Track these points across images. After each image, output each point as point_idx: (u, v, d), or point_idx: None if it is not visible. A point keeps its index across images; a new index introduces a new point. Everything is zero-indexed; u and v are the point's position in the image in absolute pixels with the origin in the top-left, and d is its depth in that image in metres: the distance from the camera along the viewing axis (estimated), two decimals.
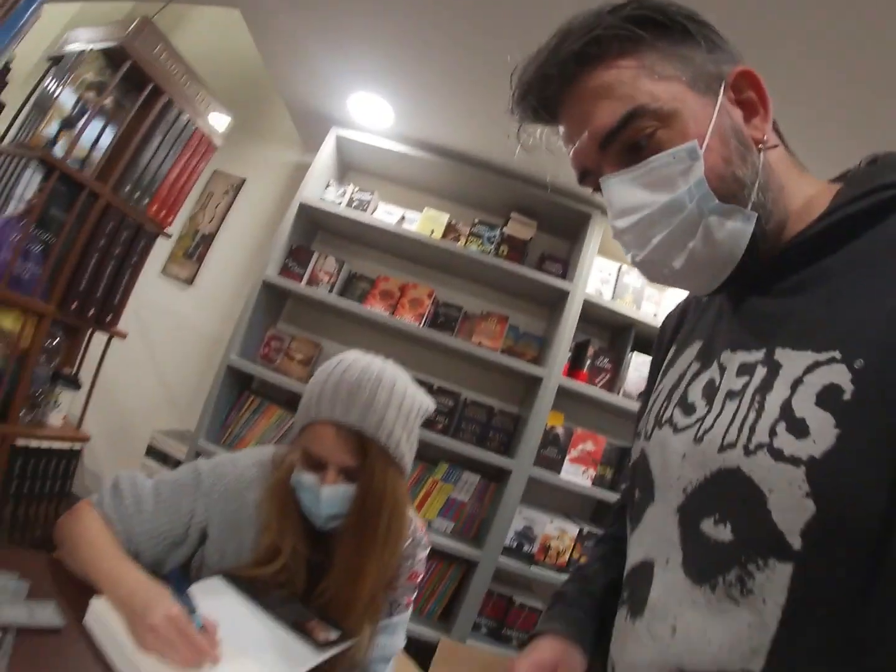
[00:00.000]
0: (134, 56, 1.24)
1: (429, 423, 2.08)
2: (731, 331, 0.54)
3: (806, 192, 0.53)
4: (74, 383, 1.40)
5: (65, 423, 1.40)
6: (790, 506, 0.42)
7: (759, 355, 0.49)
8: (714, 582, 0.46)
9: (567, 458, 2.03)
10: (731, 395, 0.50)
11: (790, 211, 0.52)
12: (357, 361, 0.92)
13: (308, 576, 0.94)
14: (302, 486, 0.90)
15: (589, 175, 0.56)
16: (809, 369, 0.44)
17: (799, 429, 0.42)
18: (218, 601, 0.86)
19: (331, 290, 2.20)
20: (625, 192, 0.52)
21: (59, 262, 1.22)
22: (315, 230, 2.49)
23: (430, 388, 2.12)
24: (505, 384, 2.33)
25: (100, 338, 1.47)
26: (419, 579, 1.05)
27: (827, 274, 0.48)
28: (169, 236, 1.45)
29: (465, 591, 1.99)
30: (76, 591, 0.80)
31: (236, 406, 2.25)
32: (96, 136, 1.22)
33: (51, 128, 1.18)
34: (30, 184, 1.13)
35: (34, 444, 1.28)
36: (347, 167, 2.51)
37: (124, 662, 0.70)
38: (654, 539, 0.54)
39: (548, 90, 0.55)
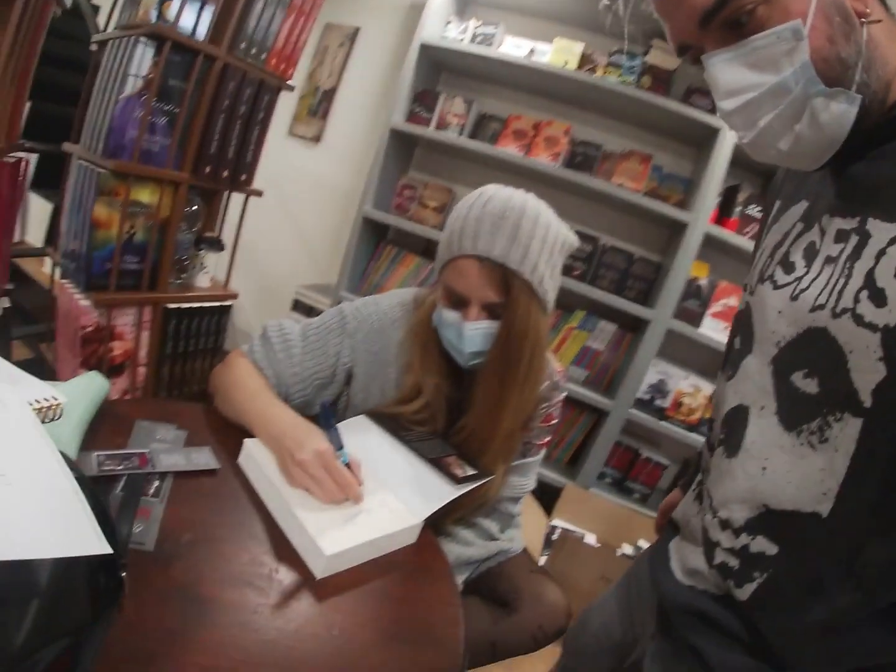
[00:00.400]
0: None
1: (566, 269, 1.98)
2: (832, 196, 0.55)
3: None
4: (218, 245, 1.47)
5: (213, 284, 1.50)
6: (865, 367, 0.47)
7: (853, 223, 0.51)
8: (800, 429, 0.52)
9: (708, 312, 1.89)
10: (828, 259, 0.53)
11: (894, 84, 0.51)
12: (499, 193, 0.87)
13: (448, 414, 0.97)
14: (444, 323, 0.90)
15: (688, 49, 0.55)
16: (893, 241, 0.46)
17: (878, 298, 0.46)
18: (362, 438, 0.90)
19: (461, 133, 2.10)
20: (729, 71, 0.51)
21: (185, 130, 1.23)
22: (439, 72, 2.32)
23: None
24: (646, 230, 2.16)
25: (237, 199, 1.51)
26: (554, 422, 1.05)
27: None
28: (292, 88, 1.41)
29: (594, 441, 2.02)
30: (230, 436, 0.86)
31: (374, 257, 2.33)
32: (200, 1, 1.17)
33: (152, 2, 1.15)
34: (143, 60, 1.13)
35: (185, 305, 1.38)
36: (467, 1, 2.25)
37: (275, 498, 0.75)
38: (750, 387, 0.59)
39: None
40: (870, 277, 0.47)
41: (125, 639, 0.51)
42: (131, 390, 1.33)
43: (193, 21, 1.15)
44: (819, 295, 0.52)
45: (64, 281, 1.25)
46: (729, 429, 0.62)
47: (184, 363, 1.43)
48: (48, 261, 1.95)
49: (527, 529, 1.77)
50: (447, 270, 0.88)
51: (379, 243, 2.35)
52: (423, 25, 2.04)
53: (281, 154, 2.67)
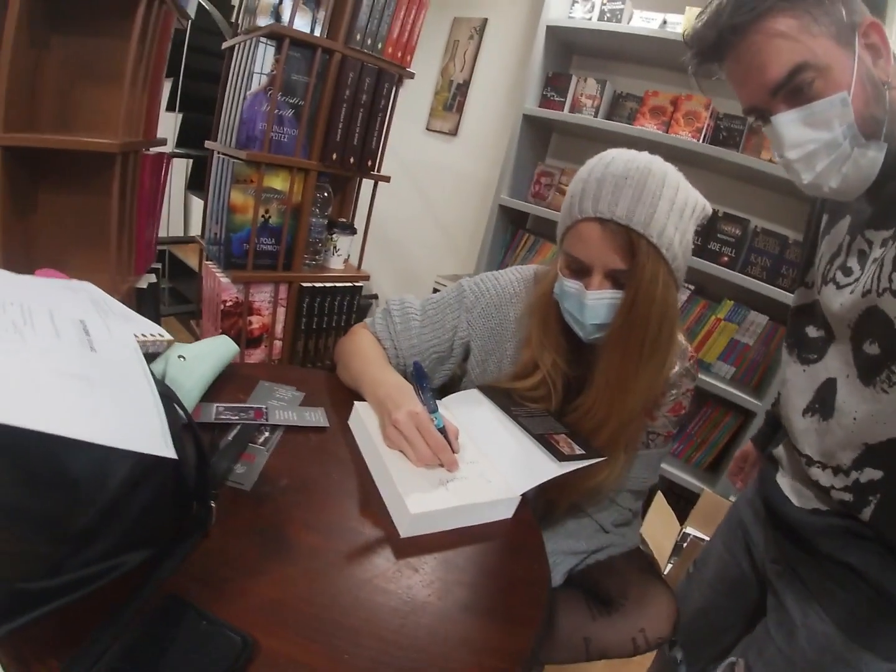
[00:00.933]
0: None
1: (713, 255, 1.84)
2: (870, 213, 0.71)
3: None
4: (350, 228, 1.55)
5: (346, 266, 1.59)
6: None
7: (890, 232, 0.66)
8: (874, 381, 0.67)
9: None
10: (874, 261, 0.68)
11: None
12: (622, 154, 0.80)
13: (566, 392, 0.92)
14: (565, 294, 0.85)
15: (755, 110, 0.70)
16: None
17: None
18: (470, 410, 0.89)
19: (596, 114, 2.03)
20: (794, 129, 0.66)
21: (311, 120, 1.32)
22: (569, 54, 2.26)
23: (714, 215, 1.84)
24: (802, 211, 1.88)
25: (368, 187, 1.59)
26: (683, 413, 0.96)
27: None
28: (412, 75, 1.45)
29: (738, 444, 1.82)
30: (345, 401, 0.89)
31: (512, 246, 2.33)
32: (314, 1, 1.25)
33: (267, 7, 1.25)
34: (266, 58, 1.23)
35: (318, 284, 1.47)
36: None
37: (375, 458, 0.76)
38: (837, 364, 0.75)
39: (720, 44, 0.67)
40: (882, 264, 0.64)
41: (204, 562, 0.55)
42: (268, 362, 1.45)
43: (310, 18, 1.22)
44: (868, 283, 0.67)
45: (209, 263, 1.41)
46: (822, 399, 0.77)
47: (317, 339, 1.53)
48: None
49: (657, 534, 1.66)
50: (568, 237, 0.83)
51: (517, 232, 2.34)
52: (549, 7, 2.00)
53: (419, 149, 2.78)
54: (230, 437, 0.75)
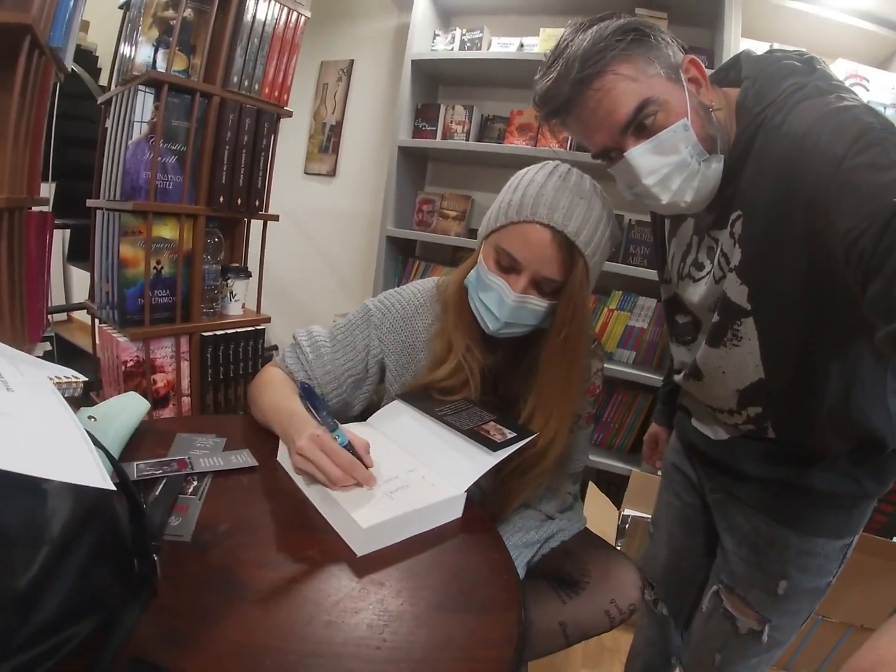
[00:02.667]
0: None
1: None
2: (713, 215, 0.81)
3: (726, 109, 0.77)
4: (245, 272, 1.52)
5: (245, 311, 1.56)
6: (737, 292, 0.77)
7: (727, 231, 0.78)
8: (722, 342, 0.82)
9: None
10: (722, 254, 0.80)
11: (730, 132, 0.77)
12: (574, 171, 0.84)
13: (484, 383, 0.94)
14: (484, 285, 0.86)
15: (607, 151, 0.76)
16: (731, 234, 0.77)
17: (727, 259, 0.78)
18: (397, 421, 0.89)
19: (467, 138, 2.12)
20: (647, 158, 0.73)
21: (195, 165, 1.31)
22: (436, 85, 2.37)
23: None
24: None
25: (258, 230, 1.57)
26: (598, 392, 1.02)
27: (739, 182, 0.75)
28: (290, 114, 1.48)
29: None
30: (269, 440, 0.86)
31: (404, 274, 2.36)
32: (189, 45, 1.26)
33: (144, 55, 1.24)
34: (145, 106, 1.21)
35: (220, 332, 1.43)
36: (448, 13, 2.31)
37: (314, 487, 0.74)
38: (702, 346, 0.87)
39: (572, 96, 0.72)
40: (723, 254, 0.79)
41: (159, 620, 0.51)
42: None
43: (187, 64, 1.22)
44: (717, 271, 0.80)
45: (103, 326, 1.32)
46: (690, 368, 0.92)
47: (226, 389, 1.47)
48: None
49: (598, 522, 1.72)
50: (508, 233, 0.83)
51: (407, 260, 2.38)
52: (412, 43, 2.10)
53: (300, 194, 2.78)
54: (157, 492, 0.70)
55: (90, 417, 0.76)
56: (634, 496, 1.77)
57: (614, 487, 1.96)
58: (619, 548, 1.61)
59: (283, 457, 0.82)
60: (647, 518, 1.63)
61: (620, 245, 1.97)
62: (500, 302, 0.84)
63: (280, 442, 0.83)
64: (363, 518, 0.65)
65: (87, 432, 0.47)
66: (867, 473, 0.84)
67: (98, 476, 0.35)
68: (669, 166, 0.73)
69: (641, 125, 0.71)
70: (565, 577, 0.92)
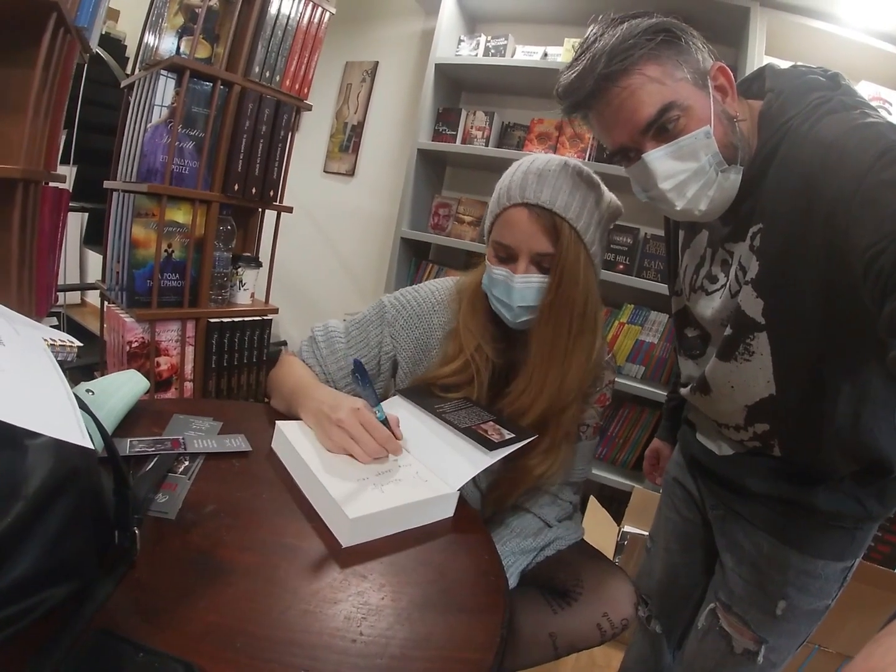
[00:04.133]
0: None
1: (609, 265, 1.96)
2: (729, 228, 0.80)
3: (749, 120, 0.76)
4: (255, 262, 1.53)
5: (253, 301, 1.56)
6: (752, 306, 0.76)
7: (743, 243, 0.77)
8: (734, 356, 0.81)
9: None
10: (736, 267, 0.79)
11: (751, 144, 0.76)
12: (543, 155, 0.90)
13: (493, 382, 0.94)
14: (493, 281, 0.89)
15: (625, 150, 0.76)
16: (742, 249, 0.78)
17: (743, 272, 0.77)
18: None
19: (486, 144, 2.13)
20: (665, 162, 0.72)
21: (212, 152, 1.31)
22: (458, 90, 2.39)
23: None
24: None
25: (272, 222, 1.57)
26: (608, 404, 1.02)
27: (759, 190, 0.74)
28: (310, 107, 1.48)
29: None
30: (266, 426, 0.87)
31: (417, 277, 2.36)
32: (213, 33, 1.27)
33: (168, 42, 1.26)
34: (166, 91, 1.22)
35: (226, 319, 1.43)
36: (474, 19, 2.32)
37: (305, 474, 0.74)
38: (712, 359, 0.86)
39: (595, 92, 0.71)
40: (741, 267, 0.77)
41: (134, 594, 0.50)
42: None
43: (210, 52, 1.23)
44: (734, 285, 0.79)
45: (111, 306, 1.33)
46: (697, 383, 0.90)
47: (229, 377, 1.46)
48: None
49: (597, 537, 1.69)
50: (497, 225, 0.89)
51: (420, 263, 2.38)
52: (436, 47, 2.12)
53: (319, 192, 2.80)
54: (146, 469, 0.69)
55: (88, 391, 0.76)
56: (635, 513, 1.74)
57: (615, 503, 1.94)
58: (617, 563, 1.58)
59: (279, 443, 0.82)
60: (647, 535, 1.61)
61: (619, 215, 1.97)
62: (508, 289, 0.87)
63: (277, 428, 0.82)
64: (351, 508, 0.64)
65: (82, 402, 0.47)
66: (871, 495, 0.82)
67: (77, 433, 0.34)
68: (687, 173, 0.72)
69: (663, 128, 0.71)
70: (558, 587, 0.90)
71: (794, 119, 0.71)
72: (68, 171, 2.02)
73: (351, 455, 0.77)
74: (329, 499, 0.67)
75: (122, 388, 0.82)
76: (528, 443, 0.84)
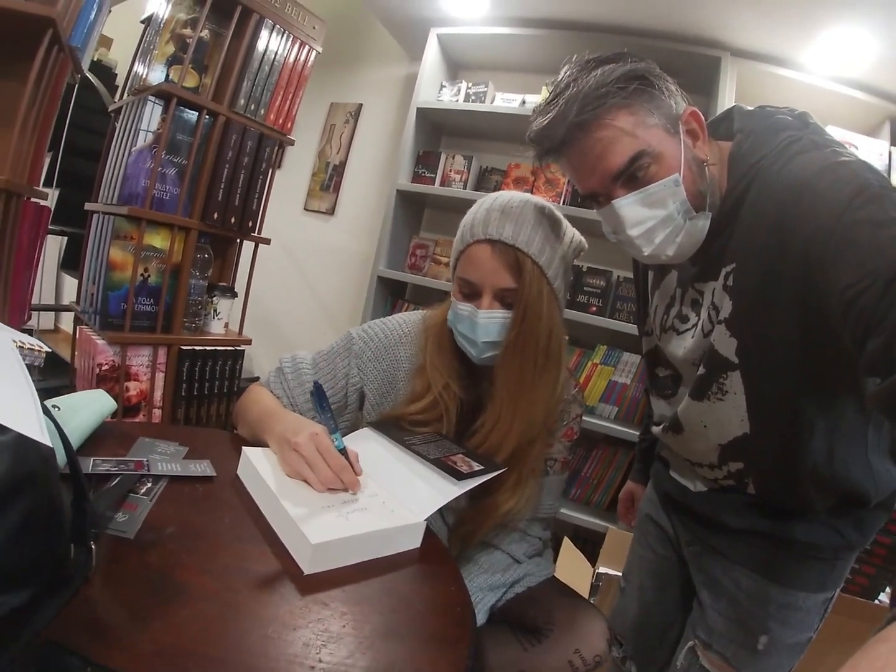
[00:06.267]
0: None
1: (582, 306, 2.01)
2: (697, 268, 0.82)
3: (719, 163, 0.78)
4: (230, 292, 1.53)
5: (227, 331, 1.55)
6: (725, 345, 0.76)
7: (717, 282, 0.77)
8: (707, 395, 0.81)
9: None
10: (709, 305, 0.80)
11: (721, 185, 0.77)
12: (507, 191, 0.92)
13: (461, 417, 0.94)
14: (458, 317, 0.89)
15: (595, 195, 0.77)
16: (713, 290, 0.79)
17: (716, 312, 0.78)
18: (364, 447, 0.87)
19: (464, 187, 2.19)
20: (633, 209, 0.73)
21: (193, 180, 1.34)
22: (439, 135, 2.47)
23: (579, 270, 2.03)
24: None
25: (249, 253, 1.59)
26: (575, 438, 1.02)
27: (731, 230, 0.75)
28: (292, 142, 1.53)
29: None
30: (233, 453, 0.85)
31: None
32: (202, 64, 1.32)
33: (157, 71, 1.30)
34: (153, 116, 1.25)
35: (198, 348, 1.42)
36: (456, 66, 2.44)
37: (269, 500, 0.72)
38: (685, 398, 0.86)
39: (567, 139, 0.72)
40: (714, 306, 0.78)
41: (86, 610, 0.48)
42: None
43: (197, 81, 1.26)
44: (707, 324, 0.80)
45: (84, 328, 1.31)
46: (670, 422, 0.90)
47: (199, 406, 1.44)
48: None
49: (572, 579, 1.65)
50: (461, 262, 0.89)
51: (396, 302, 2.39)
52: (419, 91, 2.20)
53: (298, 229, 2.83)
54: (107, 487, 0.68)
55: (54, 406, 0.75)
56: (610, 554, 1.73)
57: (590, 544, 1.92)
58: None
59: (244, 469, 0.80)
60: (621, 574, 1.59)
61: (583, 251, 2.01)
62: (472, 325, 0.87)
63: (243, 454, 0.81)
64: (314, 534, 0.63)
65: (48, 410, 0.46)
66: (849, 525, 0.83)
67: (37, 430, 0.34)
68: (655, 220, 0.73)
69: (633, 175, 0.71)
70: (528, 624, 0.88)
71: (765, 159, 0.71)
72: (50, 193, 2.02)
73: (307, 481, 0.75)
74: (292, 524, 0.65)
75: (88, 407, 0.81)
76: (496, 478, 0.83)
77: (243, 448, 0.81)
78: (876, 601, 1.37)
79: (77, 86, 1.68)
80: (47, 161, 2.06)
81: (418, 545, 0.74)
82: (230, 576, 0.59)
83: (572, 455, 1.04)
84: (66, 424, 0.72)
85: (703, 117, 0.76)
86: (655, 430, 0.97)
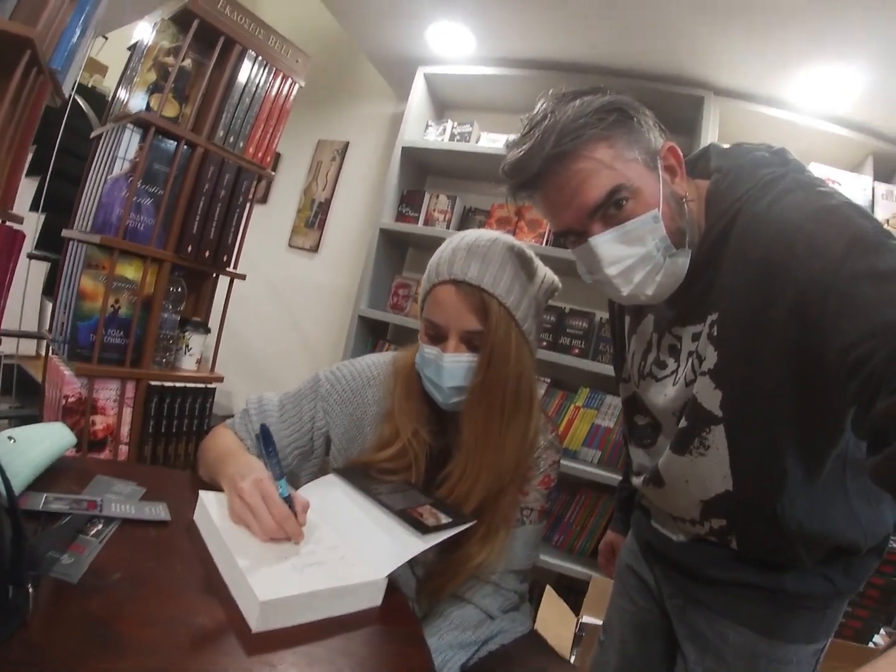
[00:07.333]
0: (200, 14, 1.29)
1: (565, 348, 1.99)
2: (675, 311, 0.79)
3: (698, 201, 0.76)
4: (203, 327, 1.49)
5: (199, 367, 1.51)
6: (709, 397, 0.73)
7: (699, 327, 0.75)
8: (689, 450, 0.77)
9: None
10: (690, 353, 0.77)
11: (699, 223, 0.75)
12: (475, 230, 0.89)
13: (431, 465, 0.90)
14: (424, 360, 0.86)
15: (571, 234, 0.74)
16: (695, 336, 0.76)
17: (700, 360, 0.74)
18: (326, 495, 0.84)
19: (448, 227, 2.20)
20: (611, 247, 0.70)
21: (169, 211, 1.32)
22: (424, 174, 2.49)
23: (561, 312, 2.03)
24: None
25: (225, 288, 1.56)
26: (553, 485, 0.97)
27: (712, 273, 0.72)
28: (272, 177, 1.53)
29: None
30: (192, 498, 0.80)
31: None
32: (183, 93, 1.32)
33: (138, 98, 1.30)
34: (130, 145, 1.24)
35: (168, 384, 1.38)
36: (442, 105, 2.48)
37: (221, 549, 0.67)
38: (663, 451, 0.83)
39: (543, 172, 0.70)
40: (698, 356, 0.75)
41: (20, 654, 0.45)
42: None
43: (177, 111, 1.26)
44: (689, 373, 0.76)
45: (54, 357, 1.28)
46: (650, 475, 0.87)
47: (167, 444, 1.39)
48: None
49: (554, 629, 1.60)
50: (427, 304, 0.86)
51: (377, 342, 2.36)
52: (405, 130, 2.23)
53: (282, 265, 2.82)
54: (55, 526, 0.64)
55: (10, 438, 0.73)
56: (594, 603, 1.66)
57: (573, 593, 1.85)
58: (573, 658, 1.49)
59: (200, 515, 0.75)
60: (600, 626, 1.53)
61: (556, 291, 2.01)
62: (438, 369, 0.84)
63: (199, 498, 0.76)
64: (263, 590, 0.58)
65: None
66: (839, 572, 0.79)
67: None
68: (634, 258, 0.70)
69: (610, 211, 0.69)
70: None
71: (746, 197, 0.69)
72: (36, 218, 2.00)
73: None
74: (241, 577, 0.60)
75: (46, 440, 0.78)
76: (465, 529, 0.78)
77: (200, 492, 0.77)
78: (870, 644, 1.33)
79: (68, 111, 1.67)
80: (35, 185, 2.04)
81: (379, 603, 0.69)
82: (174, 629, 0.54)
83: (550, 503, 0.99)
84: (21, 456, 0.72)
85: (681, 153, 0.74)
86: (636, 481, 0.92)
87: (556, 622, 1.67)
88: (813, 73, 1.69)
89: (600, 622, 1.55)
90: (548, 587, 1.84)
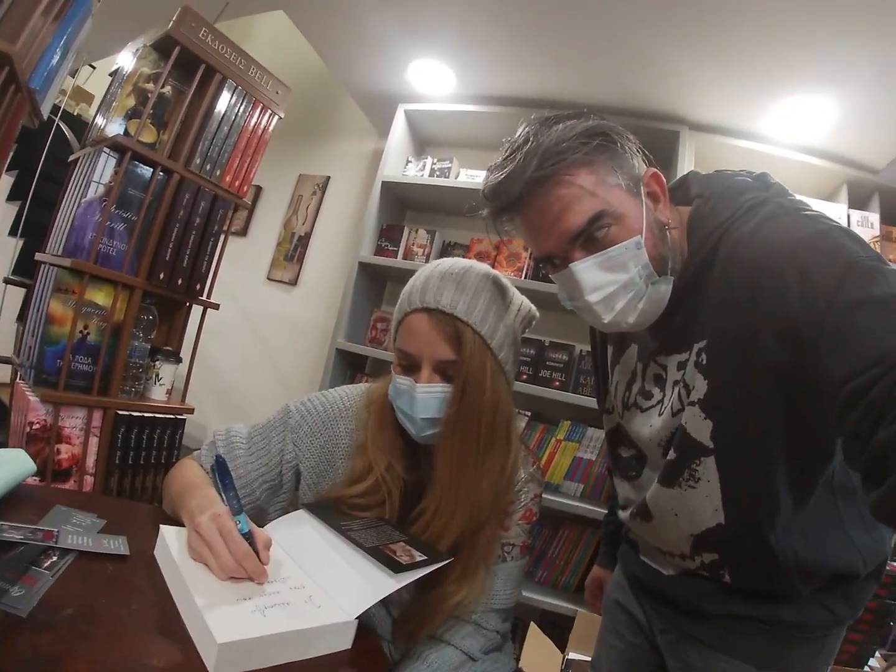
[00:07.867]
0: (181, 41, 1.30)
1: (545, 381, 1.98)
2: (659, 341, 0.78)
3: (680, 228, 0.75)
4: (174, 357, 1.45)
5: (169, 398, 1.47)
6: (699, 428, 0.71)
7: (684, 355, 0.74)
8: (678, 482, 0.75)
9: None
10: (675, 382, 0.75)
11: (682, 250, 0.75)
12: (450, 258, 0.87)
13: (405, 500, 0.86)
14: (397, 391, 0.83)
15: (551, 259, 0.73)
16: (681, 364, 0.75)
17: (687, 389, 0.72)
18: (295, 532, 0.80)
19: (426, 261, 2.18)
20: (592, 274, 0.69)
21: (142, 237, 1.30)
22: (403, 208, 2.52)
23: (541, 345, 2.03)
24: None
25: (198, 318, 1.53)
26: (535, 520, 0.93)
27: (697, 300, 0.71)
28: (248, 206, 1.52)
29: None
30: (151, 532, 0.76)
31: None
32: (161, 120, 1.32)
33: (117, 123, 1.29)
34: (105, 169, 1.23)
35: (136, 413, 1.33)
36: (422, 142, 2.53)
37: (180, 587, 0.64)
38: (648, 483, 0.82)
39: (524, 196, 0.69)
40: (685, 385, 0.73)
41: None
42: None
43: (155, 137, 1.25)
44: (676, 403, 0.74)
45: (21, 382, 1.23)
46: (638, 508, 0.84)
47: (134, 476, 1.34)
48: None
49: (539, 667, 1.54)
50: (399, 333, 0.84)
51: (355, 376, 2.33)
52: (385, 166, 2.26)
53: (260, 298, 2.80)
54: (5, 557, 0.60)
55: None
56: (580, 639, 1.62)
57: (558, 629, 1.79)
58: None
59: (160, 550, 0.71)
60: (589, 664, 1.48)
61: (534, 320, 2.00)
62: (411, 400, 0.80)
63: (160, 532, 0.72)
64: (221, 631, 0.54)
65: None
66: (838, 600, 0.77)
67: None
68: (615, 284, 0.69)
69: (592, 237, 0.68)
70: None
71: (729, 223, 0.68)
72: (14, 243, 1.96)
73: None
74: (199, 617, 0.56)
75: (3, 467, 0.74)
76: (442, 567, 0.74)
77: (161, 527, 0.73)
78: (865, 668, 1.31)
79: (51, 137, 1.65)
80: (15, 211, 2.01)
81: (349, 646, 0.65)
82: (122, 669, 0.50)
83: (532, 538, 0.95)
84: None
85: (664, 179, 0.74)
86: (622, 514, 0.90)
87: (541, 660, 1.61)
88: (786, 105, 1.74)
89: (587, 658, 1.51)
90: (532, 624, 1.78)
